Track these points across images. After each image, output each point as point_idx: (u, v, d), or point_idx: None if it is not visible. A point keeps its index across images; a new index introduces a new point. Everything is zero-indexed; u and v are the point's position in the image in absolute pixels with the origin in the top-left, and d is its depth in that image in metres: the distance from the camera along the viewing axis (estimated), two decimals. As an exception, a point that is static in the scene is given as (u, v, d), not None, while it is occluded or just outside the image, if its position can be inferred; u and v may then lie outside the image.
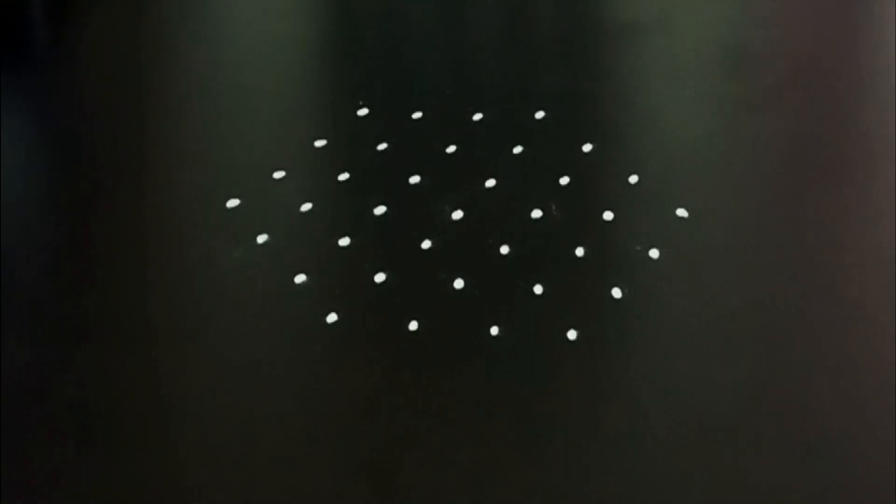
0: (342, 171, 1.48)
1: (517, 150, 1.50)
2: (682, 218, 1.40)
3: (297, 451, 1.16)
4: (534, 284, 1.31)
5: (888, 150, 1.50)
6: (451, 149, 1.51)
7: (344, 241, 1.38)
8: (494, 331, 1.26)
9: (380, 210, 1.42)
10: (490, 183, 1.45)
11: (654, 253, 1.35)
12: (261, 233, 1.38)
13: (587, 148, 1.50)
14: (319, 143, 1.53)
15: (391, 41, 1.74)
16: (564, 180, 1.45)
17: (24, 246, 1.40)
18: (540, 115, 1.56)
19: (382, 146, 1.51)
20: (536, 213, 1.40)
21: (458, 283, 1.32)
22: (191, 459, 1.15)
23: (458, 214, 1.41)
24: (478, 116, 1.56)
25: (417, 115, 1.57)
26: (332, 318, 1.28)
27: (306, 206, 1.43)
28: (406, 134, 1.55)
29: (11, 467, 1.13)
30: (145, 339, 1.28)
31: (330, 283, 1.33)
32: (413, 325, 1.27)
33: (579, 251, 1.35)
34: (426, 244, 1.37)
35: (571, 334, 1.26)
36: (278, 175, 1.47)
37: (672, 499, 1.12)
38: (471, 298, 1.31)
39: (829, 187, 1.46)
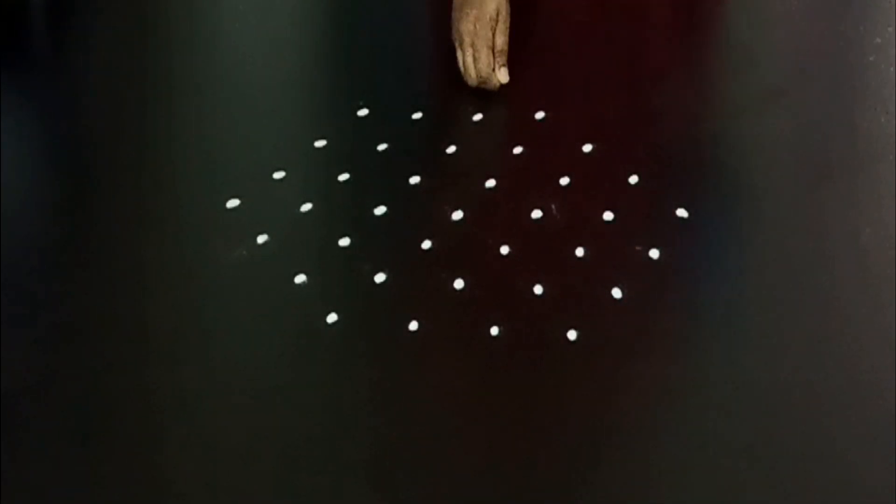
0: (342, 171, 1.48)
1: (517, 150, 1.50)
2: (682, 218, 1.40)
3: (297, 450, 1.16)
4: (534, 284, 1.31)
5: (888, 150, 1.50)
6: (451, 149, 1.51)
7: (344, 241, 1.38)
8: (494, 331, 1.26)
9: (380, 210, 1.42)
10: (490, 183, 1.45)
11: (654, 253, 1.35)
12: (261, 233, 1.38)
13: (587, 148, 1.50)
14: (319, 143, 1.53)
15: (391, 41, 1.74)
16: (564, 180, 1.45)
17: (24, 246, 1.40)
18: (540, 115, 1.56)
19: (382, 146, 1.51)
20: (536, 214, 1.40)
21: (458, 283, 1.32)
22: (190, 459, 1.16)
23: (458, 214, 1.41)
24: (478, 116, 1.56)
25: (417, 115, 1.57)
26: (332, 318, 1.28)
27: (306, 206, 1.42)
28: (406, 134, 1.55)
29: (11, 467, 1.13)
30: (145, 339, 1.28)
31: (330, 283, 1.33)
32: (413, 325, 1.27)
33: (579, 251, 1.35)
34: (426, 244, 1.37)
35: (571, 334, 1.26)
36: (278, 175, 1.47)
37: (671, 499, 1.12)
38: (471, 298, 1.31)
39: (829, 187, 1.46)
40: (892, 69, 1.64)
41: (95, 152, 1.55)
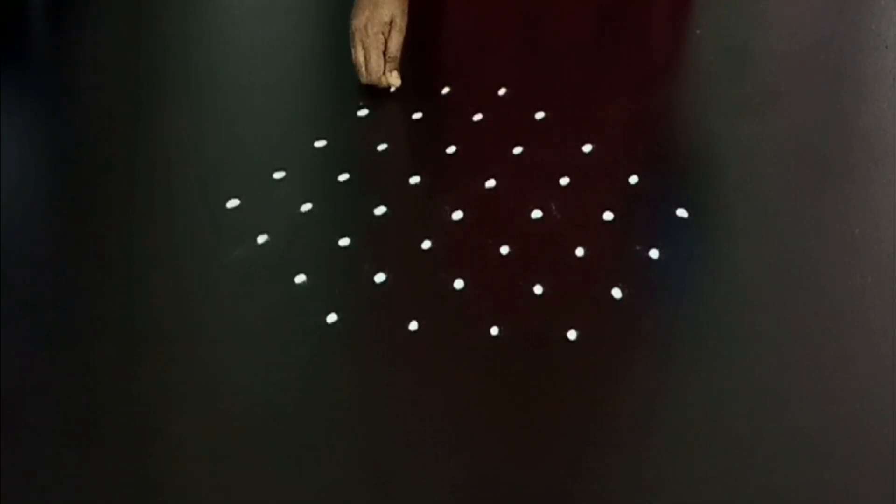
0: (342, 171, 1.48)
1: (517, 150, 1.50)
2: (682, 218, 1.40)
3: (297, 450, 1.16)
4: (534, 284, 1.31)
5: (888, 150, 1.50)
6: (451, 149, 1.51)
7: (344, 241, 1.38)
8: (494, 331, 1.26)
9: (380, 210, 1.42)
10: (490, 183, 1.45)
11: (654, 253, 1.35)
12: (261, 233, 1.38)
13: (587, 148, 1.50)
14: (319, 143, 1.53)
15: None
16: (564, 180, 1.45)
17: (24, 246, 1.40)
18: (540, 115, 1.56)
19: (382, 146, 1.51)
20: (536, 213, 1.40)
21: (458, 283, 1.32)
22: (189, 459, 1.15)
23: (458, 214, 1.41)
24: (478, 117, 1.56)
25: (417, 115, 1.57)
26: (332, 318, 1.28)
27: (306, 206, 1.43)
28: (406, 134, 1.55)
29: (11, 467, 1.13)
30: (144, 339, 1.28)
31: (330, 283, 1.33)
32: (413, 325, 1.27)
33: (579, 251, 1.35)
34: (426, 244, 1.37)
35: (571, 334, 1.26)
36: (278, 175, 1.47)
37: (670, 498, 1.12)
38: (471, 298, 1.31)
39: (828, 187, 1.46)
40: (892, 69, 1.64)
41: (95, 152, 1.55)
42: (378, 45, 1.58)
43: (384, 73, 1.58)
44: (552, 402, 1.20)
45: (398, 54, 1.59)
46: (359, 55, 1.59)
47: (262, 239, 1.38)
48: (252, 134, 1.56)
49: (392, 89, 1.59)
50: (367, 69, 1.58)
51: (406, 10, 1.59)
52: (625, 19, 1.75)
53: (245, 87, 1.65)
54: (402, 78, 1.60)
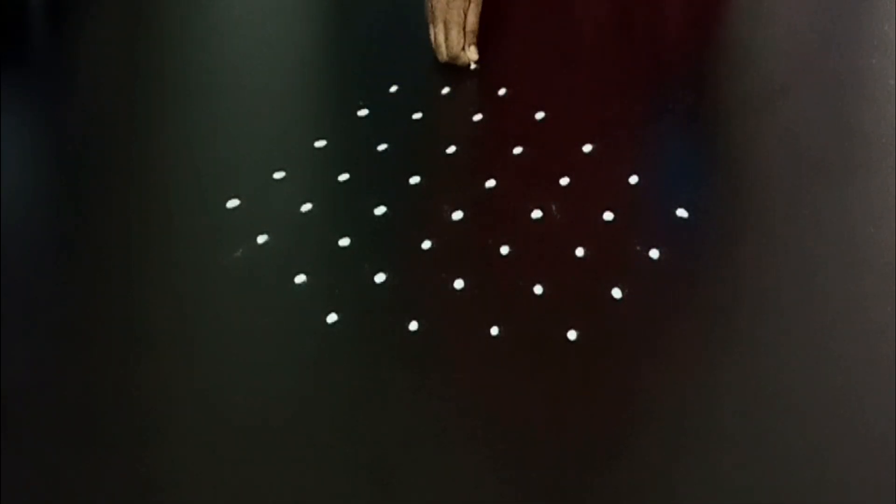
0: (342, 171, 1.48)
1: (517, 150, 1.50)
2: (682, 218, 1.40)
3: (296, 450, 1.16)
4: (534, 284, 1.31)
5: (888, 150, 1.50)
6: (451, 149, 1.51)
7: (344, 241, 1.38)
8: (494, 331, 1.26)
9: (380, 210, 1.42)
10: (490, 183, 1.45)
11: (654, 253, 1.35)
12: (261, 233, 1.38)
13: (587, 148, 1.50)
14: (319, 144, 1.53)
15: (391, 41, 1.74)
16: (564, 180, 1.45)
17: (24, 246, 1.40)
18: (540, 115, 1.56)
19: (382, 146, 1.51)
20: (536, 214, 1.40)
21: (458, 283, 1.32)
22: (190, 459, 1.16)
23: (458, 214, 1.41)
24: (478, 117, 1.56)
25: (417, 115, 1.57)
26: (332, 318, 1.28)
27: (306, 206, 1.43)
28: (406, 134, 1.55)
29: (11, 467, 1.13)
30: (144, 339, 1.28)
31: (330, 283, 1.33)
32: (413, 325, 1.27)
33: (579, 251, 1.35)
34: (426, 244, 1.37)
35: (571, 334, 1.26)
36: (278, 175, 1.47)
37: (670, 499, 1.12)
38: (471, 298, 1.31)
39: (829, 187, 1.46)
40: (893, 68, 1.64)
41: (95, 152, 1.55)
42: (459, 20, 1.60)
43: (464, 47, 1.60)
44: (552, 402, 1.20)
45: (476, 28, 1.62)
46: (439, 33, 1.61)
47: (262, 239, 1.38)
48: (252, 134, 1.56)
49: (472, 66, 1.62)
50: (447, 45, 1.61)
51: None
52: (625, 19, 1.75)
53: (245, 87, 1.65)
54: (402, 78, 1.60)
